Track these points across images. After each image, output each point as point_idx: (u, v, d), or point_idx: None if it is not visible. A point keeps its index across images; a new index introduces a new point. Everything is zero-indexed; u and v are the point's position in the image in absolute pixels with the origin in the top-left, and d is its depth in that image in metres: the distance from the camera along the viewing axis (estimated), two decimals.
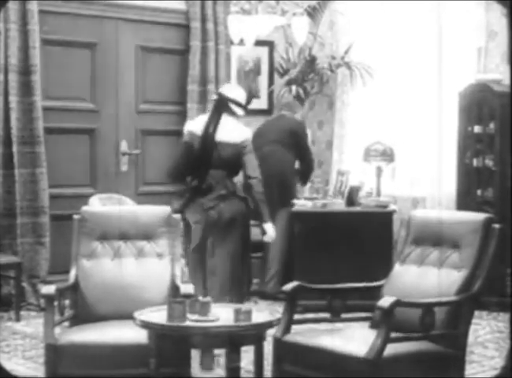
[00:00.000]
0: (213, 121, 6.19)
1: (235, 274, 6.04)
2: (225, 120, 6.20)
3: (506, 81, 7.31)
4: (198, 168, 6.15)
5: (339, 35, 8.68)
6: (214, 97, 6.43)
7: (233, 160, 6.14)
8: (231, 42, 7.88)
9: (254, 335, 4.28)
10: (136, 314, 4.33)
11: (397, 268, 4.85)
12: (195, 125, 6.25)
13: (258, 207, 6.10)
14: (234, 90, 6.41)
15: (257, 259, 7.99)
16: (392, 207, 7.47)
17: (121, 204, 7.12)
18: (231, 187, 6.15)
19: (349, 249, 7.13)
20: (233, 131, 6.20)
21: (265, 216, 6.14)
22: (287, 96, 8.43)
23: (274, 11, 7.40)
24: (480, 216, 4.67)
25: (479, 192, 7.50)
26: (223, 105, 6.25)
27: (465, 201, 7.49)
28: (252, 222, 6.65)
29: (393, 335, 4.18)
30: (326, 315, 4.85)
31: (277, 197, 7.48)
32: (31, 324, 6.59)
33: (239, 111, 6.28)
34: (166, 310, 4.22)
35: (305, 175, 7.97)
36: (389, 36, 8.25)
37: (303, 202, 7.54)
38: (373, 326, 4.65)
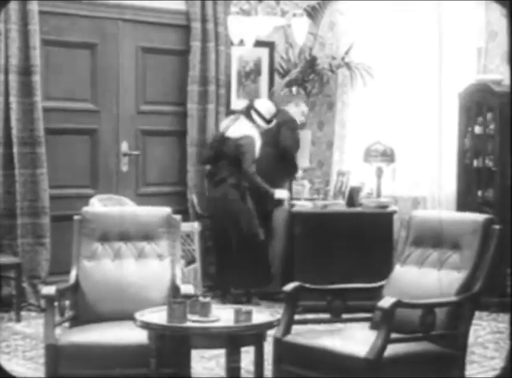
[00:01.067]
0: (232, 121, 7.55)
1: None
2: (241, 122, 7.50)
3: (506, 81, 7.31)
4: (214, 158, 7.59)
5: (339, 36, 8.68)
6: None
7: (234, 153, 7.40)
8: (232, 43, 7.87)
9: (255, 335, 4.29)
10: (137, 315, 4.34)
11: (397, 268, 4.86)
12: (223, 123, 7.72)
13: (263, 189, 7.44)
14: (263, 104, 7.69)
15: None
16: (392, 208, 7.47)
17: (121, 205, 7.13)
18: (237, 177, 7.39)
19: (349, 249, 7.13)
20: (238, 128, 7.46)
21: (270, 189, 7.47)
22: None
23: (274, 11, 7.40)
24: (480, 217, 4.67)
25: (479, 193, 7.50)
26: (247, 111, 7.57)
27: (465, 201, 7.49)
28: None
29: (393, 335, 4.18)
30: (326, 315, 4.86)
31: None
32: (32, 325, 6.60)
33: (260, 122, 7.52)
34: (166, 311, 4.22)
35: (288, 172, 7.98)
36: (389, 36, 8.25)
37: (304, 203, 7.55)
38: (373, 327, 4.65)
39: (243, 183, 7.43)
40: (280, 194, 7.55)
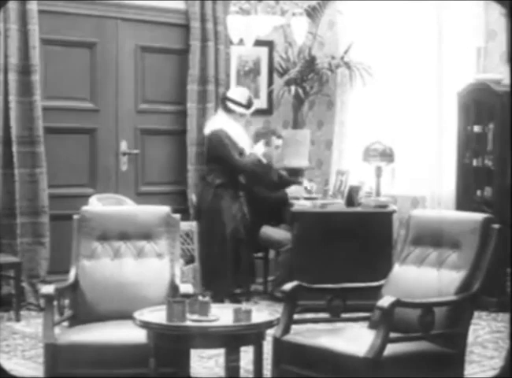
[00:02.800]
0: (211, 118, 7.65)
1: None
2: (216, 116, 7.57)
3: (506, 81, 7.31)
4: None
5: (338, 35, 8.67)
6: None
7: (208, 152, 7.57)
8: (231, 42, 7.88)
9: (254, 334, 4.29)
10: (136, 314, 4.34)
11: (396, 268, 4.86)
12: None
13: (260, 165, 7.50)
14: (235, 91, 7.63)
15: (260, 259, 8.00)
16: (392, 207, 7.47)
17: (121, 204, 7.13)
18: (213, 175, 7.46)
19: (348, 249, 7.13)
20: (209, 125, 7.54)
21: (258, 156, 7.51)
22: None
23: (273, 11, 7.39)
24: (479, 216, 4.67)
25: (478, 192, 7.50)
26: (222, 104, 7.52)
27: (464, 201, 7.49)
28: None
29: (392, 335, 4.18)
30: (325, 315, 4.85)
31: None
32: (31, 324, 6.60)
33: (239, 109, 7.43)
34: (166, 310, 4.22)
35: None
36: (389, 36, 8.24)
37: (303, 202, 7.54)
38: (373, 326, 4.65)
39: (215, 181, 7.42)
40: (257, 149, 7.55)
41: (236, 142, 7.46)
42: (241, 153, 7.50)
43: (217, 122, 7.50)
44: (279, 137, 7.96)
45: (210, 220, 7.43)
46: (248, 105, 7.57)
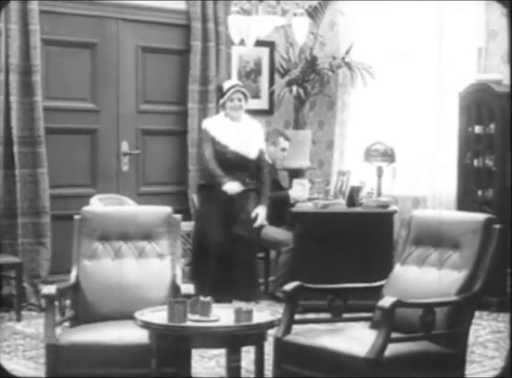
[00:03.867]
0: None
1: None
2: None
3: (507, 81, 7.31)
4: None
5: (339, 36, 8.68)
6: None
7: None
8: (232, 43, 7.88)
9: (255, 335, 4.28)
10: (137, 314, 4.34)
11: (397, 268, 4.86)
12: None
13: (215, 176, 7.30)
14: None
15: (261, 259, 8.00)
16: (393, 207, 7.47)
17: (122, 204, 7.13)
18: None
19: (350, 249, 7.13)
20: None
21: (221, 177, 7.26)
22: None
23: (274, 11, 7.39)
24: (480, 217, 4.67)
25: (479, 192, 7.50)
26: None
27: (465, 201, 7.49)
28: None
29: (394, 335, 4.18)
30: (327, 315, 4.86)
31: None
32: (32, 325, 6.60)
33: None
34: (167, 310, 4.23)
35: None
36: (390, 36, 8.25)
37: (304, 203, 7.55)
38: (374, 326, 4.65)
39: (199, 182, 7.56)
40: (230, 186, 7.21)
41: (214, 136, 7.29)
42: (223, 149, 7.31)
43: (205, 121, 7.52)
44: (286, 139, 7.96)
45: (195, 222, 7.49)
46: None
